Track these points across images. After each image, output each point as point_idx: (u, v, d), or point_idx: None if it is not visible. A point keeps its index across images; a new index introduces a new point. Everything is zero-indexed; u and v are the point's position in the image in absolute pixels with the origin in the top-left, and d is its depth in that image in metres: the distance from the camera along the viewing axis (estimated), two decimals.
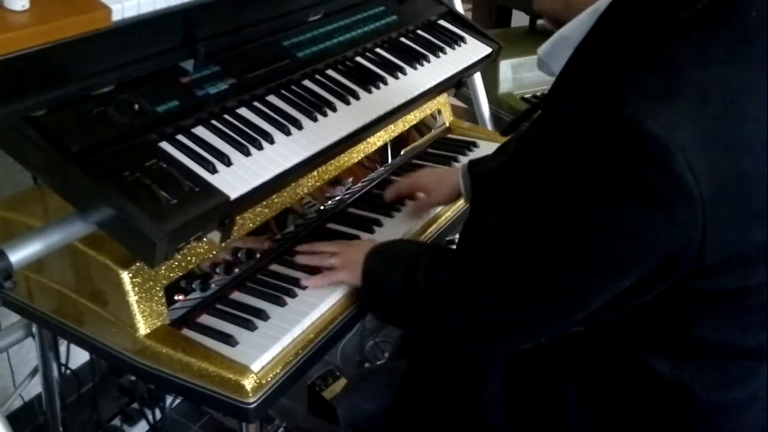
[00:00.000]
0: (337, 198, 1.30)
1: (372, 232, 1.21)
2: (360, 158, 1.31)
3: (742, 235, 0.75)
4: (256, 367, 0.92)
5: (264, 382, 0.91)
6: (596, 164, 0.71)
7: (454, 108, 1.64)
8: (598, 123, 0.70)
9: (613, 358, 0.85)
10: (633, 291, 0.76)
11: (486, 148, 1.50)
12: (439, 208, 1.27)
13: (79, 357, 1.42)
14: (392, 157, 1.46)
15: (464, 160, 1.46)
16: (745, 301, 0.80)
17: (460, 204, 1.29)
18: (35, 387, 1.36)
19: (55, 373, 1.26)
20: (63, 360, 1.30)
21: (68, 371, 1.36)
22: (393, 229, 1.21)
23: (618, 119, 0.69)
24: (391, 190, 1.25)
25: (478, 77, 1.74)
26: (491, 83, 1.87)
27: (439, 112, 1.56)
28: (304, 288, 1.04)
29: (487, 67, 1.57)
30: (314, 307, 1.02)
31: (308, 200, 1.21)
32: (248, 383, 0.89)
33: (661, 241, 0.72)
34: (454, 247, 1.19)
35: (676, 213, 0.70)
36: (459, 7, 1.66)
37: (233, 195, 0.92)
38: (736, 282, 0.78)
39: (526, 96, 1.89)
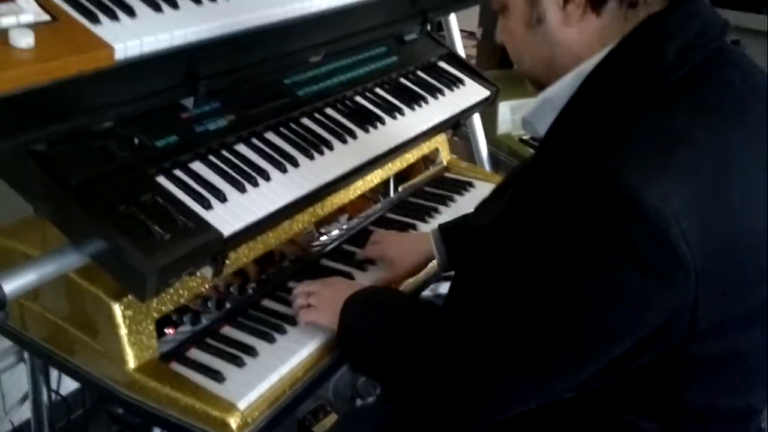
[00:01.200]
0: (333, 234, 1.32)
1: (365, 270, 1.21)
2: (356, 195, 1.32)
3: (734, 300, 0.75)
4: (242, 405, 0.92)
5: (250, 420, 0.91)
6: (590, 234, 0.71)
7: (452, 143, 1.65)
8: (592, 193, 0.71)
9: (601, 421, 0.84)
10: (626, 357, 0.75)
11: (482, 188, 1.52)
12: None
13: (70, 383, 1.42)
14: (394, 189, 1.48)
15: (460, 200, 1.48)
16: (735, 365, 0.80)
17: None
18: (25, 412, 1.36)
19: (45, 398, 1.26)
20: (54, 386, 1.30)
21: (58, 397, 1.36)
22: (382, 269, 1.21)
23: (612, 189, 0.70)
24: (360, 256, 1.23)
25: (477, 118, 1.77)
26: (490, 124, 1.90)
27: (437, 151, 1.58)
28: (294, 325, 1.05)
29: (487, 108, 1.59)
30: (303, 345, 1.02)
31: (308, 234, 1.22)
32: (234, 421, 0.89)
33: (654, 308, 0.72)
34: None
35: (670, 281, 0.71)
36: (460, 49, 1.70)
37: (226, 232, 0.93)
38: (728, 346, 0.78)
39: (524, 137, 1.91)
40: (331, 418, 1.73)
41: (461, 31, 1.83)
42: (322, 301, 1.03)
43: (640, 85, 0.75)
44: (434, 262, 1.20)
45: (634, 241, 0.69)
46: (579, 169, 0.73)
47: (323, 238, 1.30)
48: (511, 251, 0.78)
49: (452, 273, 1.11)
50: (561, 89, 0.82)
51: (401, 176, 1.49)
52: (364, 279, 1.19)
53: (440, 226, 1.18)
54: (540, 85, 0.87)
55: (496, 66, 2.74)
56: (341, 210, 1.32)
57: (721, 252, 0.72)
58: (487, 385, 0.82)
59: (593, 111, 0.77)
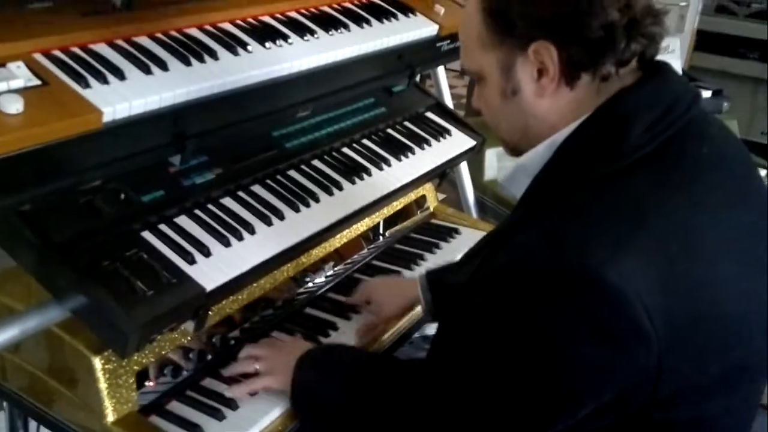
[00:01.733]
0: (318, 281, 1.33)
1: (349, 319, 1.23)
2: (342, 244, 1.34)
3: (697, 370, 0.77)
4: None
5: None
6: (553, 308, 0.72)
7: (440, 187, 1.67)
8: (557, 268, 0.72)
9: None
10: (588, 419, 0.77)
11: (468, 235, 1.53)
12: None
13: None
14: (384, 230, 1.49)
15: (446, 246, 1.50)
16: (698, 430, 0.81)
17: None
18: None
19: None
20: None
21: None
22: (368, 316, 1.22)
23: (575, 268, 0.71)
24: (348, 301, 1.25)
25: (464, 164, 1.79)
26: (477, 170, 1.93)
27: (424, 197, 1.60)
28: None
29: (474, 154, 1.62)
30: (284, 397, 1.02)
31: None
32: None
33: (617, 378, 0.74)
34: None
35: (632, 354, 0.72)
36: (447, 99, 1.73)
37: (209, 286, 0.94)
38: (690, 412, 0.79)
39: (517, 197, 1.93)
40: None
41: (453, 71, 1.87)
42: (272, 365, 1.02)
43: (606, 161, 0.77)
44: (419, 308, 1.21)
45: (595, 317, 0.71)
46: (545, 243, 0.75)
47: (308, 285, 1.31)
48: (478, 315, 0.80)
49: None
50: (535, 157, 0.84)
51: (392, 218, 1.52)
52: (348, 328, 1.20)
53: (427, 273, 1.19)
54: (516, 151, 0.89)
55: None
56: (328, 255, 1.34)
57: (684, 326, 0.74)
58: None
59: (563, 182, 0.80)
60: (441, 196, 2.00)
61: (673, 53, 2.23)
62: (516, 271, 0.76)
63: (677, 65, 2.22)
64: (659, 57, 0.84)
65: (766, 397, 2.24)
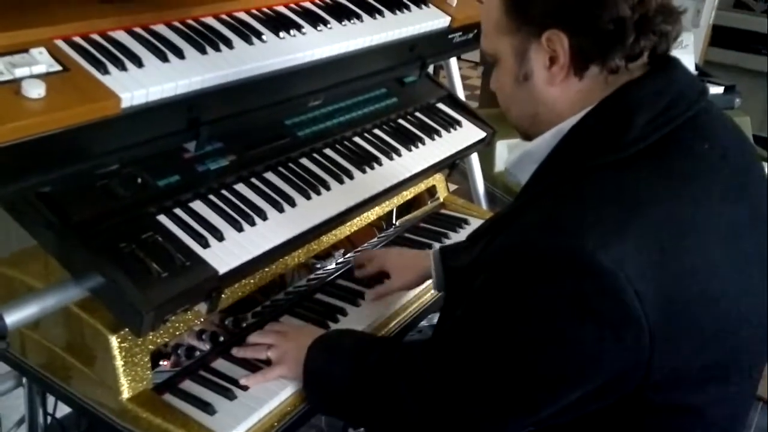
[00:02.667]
0: (328, 268, 1.35)
1: (358, 305, 1.25)
2: (352, 231, 1.36)
3: (688, 358, 0.79)
4: None
5: None
6: (549, 289, 0.75)
7: (451, 177, 1.69)
8: (553, 252, 0.75)
9: None
10: (581, 402, 0.79)
11: (477, 225, 1.55)
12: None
13: (66, 406, 1.45)
14: (397, 218, 1.51)
15: (455, 236, 1.51)
16: (693, 416, 0.83)
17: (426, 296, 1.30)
18: None
19: (41, 421, 1.29)
20: (50, 409, 1.33)
21: (54, 420, 1.39)
22: (378, 302, 1.25)
23: (571, 251, 0.74)
24: (361, 271, 1.27)
25: (474, 156, 1.80)
26: (487, 162, 1.94)
27: (435, 187, 1.62)
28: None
29: (484, 146, 1.64)
30: (293, 379, 1.05)
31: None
32: None
33: (609, 361, 0.76)
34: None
35: (623, 337, 0.74)
36: (459, 90, 1.74)
37: (222, 270, 0.96)
38: (683, 399, 0.80)
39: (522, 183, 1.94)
40: None
41: (468, 61, 1.88)
42: (283, 353, 1.05)
43: (608, 151, 0.79)
44: (428, 283, 1.24)
45: (589, 299, 0.73)
46: (544, 227, 0.78)
47: (319, 271, 1.33)
48: (478, 295, 0.82)
49: None
50: (541, 144, 0.86)
51: (406, 206, 1.54)
52: (358, 314, 1.22)
53: (441, 248, 1.22)
54: (525, 136, 0.91)
55: (498, 105, 2.78)
56: (339, 242, 1.36)
57: (677, 314, 0.75)
58: (449, 415, 0.86)
59: (566, 169, 0.82)
60: (452, 187, 2.02)
61: (687, 48, 2.23)
62: (514, 253, 0.78)
63: (690, 60, 2.21)
64: (672, 52, 0.85)
65: (766, 392, 2.26)
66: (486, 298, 0.81)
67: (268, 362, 1.07)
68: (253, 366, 1.07)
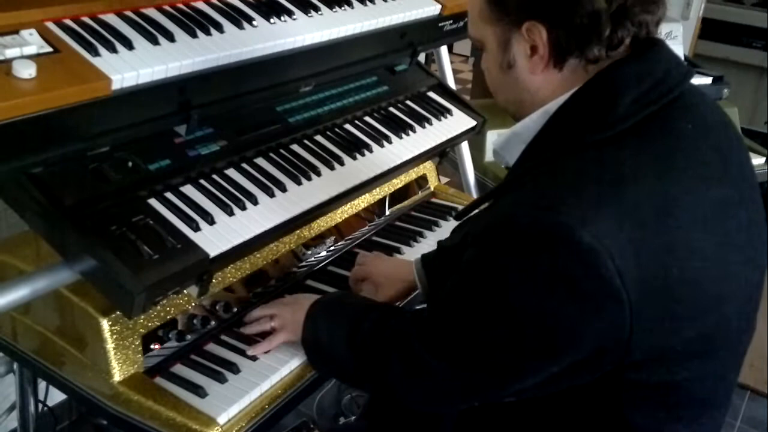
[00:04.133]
0: (319, 255, 1.36)
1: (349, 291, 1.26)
2: (343, 218, 1.37)
3: (669, 334, 0.79)
4: (222, 419, 0.95)
5: None
6: (531, 261, 0.76)
7: (442, 167, 1.70)
8: (536, 226, 0.76)
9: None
10: (562, 376, 0.80)
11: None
12: None
13: (57, 395, 1.45)
14: (389, 209, 1.52)
15: (445, 225, 1.52)
16: (673, 394, 0.84)
17: None
18: (12, 422, 1.39)
19: (33, 409, 1.30)
20: (41, 397, 1.34)
21: (45, 408, 1.39)
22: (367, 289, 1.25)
23: (553, 224, 0.75)
24: (350, 280, 1.27)
25: (465, 145, 1.81)
26: (478, 151, 1.95)
27: (425, 177, 1.63)
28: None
29: (475, 136, 1.64)
30: (284, 363, 1.06)
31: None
32: None
33: (589, 335, 0.77)
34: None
35: (603, 312, 0.75)
36: (450, 79, 1.75)
37: (213, 253, 0.97)
38: (664, 376, 0.81)
39: (510, 166, 1.95)
40: None
41: (460, 55, 1.89)
42: (284, 320, 1.07)
43: (593, 130, 0.80)
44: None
45: (567, 273, 0.74)
46: (526, 203, 0.79)
47: (310, 259, 1.34)
48: (465, 269, 0.84)
49: None
50: (529, 125, 0.88)
51: (397, 196, 1.54)
52: None
53: (423, 256, 1.22)
54: (516, 118, 0.93)
55: (489, 92, 2.79)
56: (329, 231, 1.37)
57: (657, 290, 0.76)
58: (434, 380, 0.88)
59: (551, 148, 0.83)
60: (444, 180, 2.02)
61: (676, 39, 2.24)
62: (498, 228, 0.80)
63: (679, 52, 2.23)
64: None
65: (766, 385, 2.28)
66: (471, 271, 0.83)
67: (254, 343, 1.07)
68: (243, 350, 1.07)
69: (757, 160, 2.35)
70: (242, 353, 1.07)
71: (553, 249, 0.74)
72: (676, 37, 2.21)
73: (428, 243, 1.44)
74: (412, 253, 1.38)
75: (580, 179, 0.78)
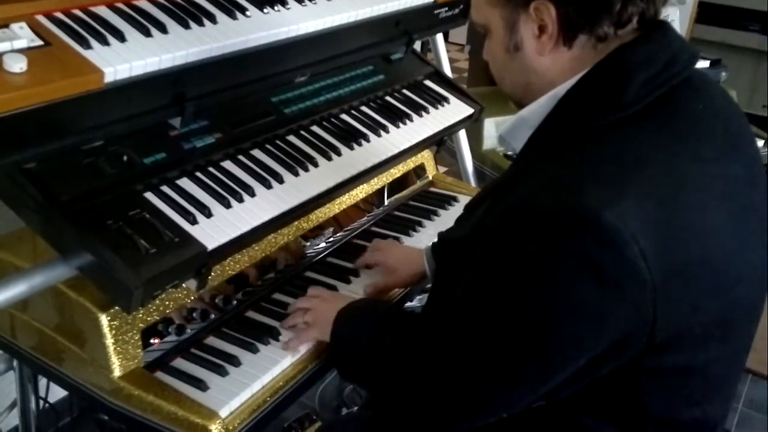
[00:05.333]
0: (318, 246, 1.35)
1: (348, 282, 1.25)
2: (341, 209, 1.36)
3: (690, 316, 0.79)
4: (224, 412, 0.95)
5: (231, 427, 0.95)
6: (553, 249, 0.75)
7: (440, 156, 1.69)
8: (556, 212, 0.75)
9: (564, 425, 0.87)
10: (589, 367, 0.79)
11: (466, 203, 1.55)
12: None
13: (58, 391, 1.45)
14: (388, 199, 1.52)
15: (444, 214, 1.52)
16: (694, 378, 0.83)
17: None
18: (14, 419, 1.38)
19: (34, 406, 1.29)
20: (42, 393, 1.33)
21: (47, 405, 1.39)
22: (370, 279, 1.25)
23: (575, 207, 0.74)
24: (360, 261, 1.27)
25: (462, 134, 1.80)
26: (476, 140, 1.94)
27: (423, 166, 1.62)
28: (276, 336, 1.08)
29: (473, 124, 1.64)
30: (285, 355, 1.06)
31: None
32: (215, 428, 0.92)
33: (614, 320, 0.76)
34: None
35: (628, 295, 0.74)
36: (446, 67, 1.74)
37: (210, 246, 0.96)
38: (686, 360, 0.81)
39: (508, 153, 1.95)
40: (316, 427, 1.76)
41: (455, 44, 1.88)
42: (316, 317, 1.07)
43: (606, 112, 0.80)
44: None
45: (593, 257, 0.73)
46: (546, 188, 0.78)
47: (308, 251, 1.34)
48: (483, 263, 0.82)
49: None
50: (536, 109, 0.87)
51: (396, 186, 1.54)
52: (348, 291, 1.22)
53: (433, 244, 1.21)
54: (519, 105, 0.91)
55: (486, 81, 2.78)
56: (328, 222, 1.36)
57: (678, 270, 0.76)
58: (458, 394, 0.85)
59: (564, 132, 0.82)
60: (442, 169, 2.02)
61: (673, 24, 2.23)
62: (517, 217, 0.78)
63: None
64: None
65: (754, 364, 2.28)
66: (492, 264, 0.81)
67: (261, 339, 1.07)
68: (246, 343, 1.07)
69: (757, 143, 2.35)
70: (243, 346, 1.07)
71: (579, 232, 0.73)
72: (673, 21, 2.20)
73: (427, 232, 1.43)
74: (412, 243, 1.38)
75: (598, 161, 0.77)
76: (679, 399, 0.84)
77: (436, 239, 1.22)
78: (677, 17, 2.28)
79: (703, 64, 2.32)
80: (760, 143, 2.39)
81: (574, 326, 0.77)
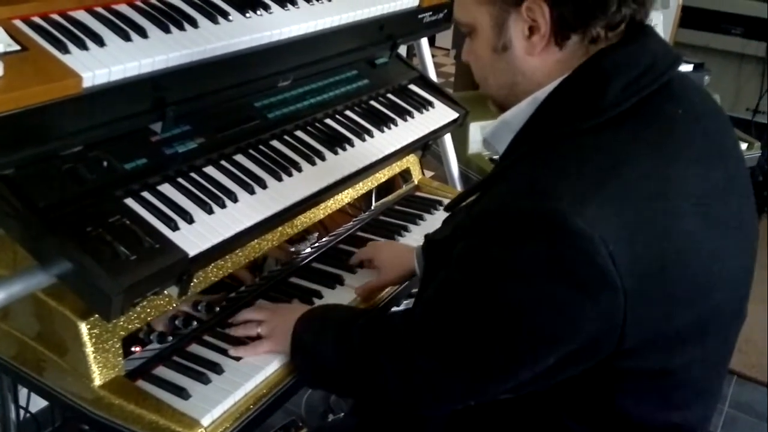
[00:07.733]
0: (303, 252, 1.34)
1: (333, 288, 1.24)
2: (326, 214, 1.35)
3: (663, 320, 0.79)
4: (206, 421, 0.94)
5: None
6: (526, 249, 0.75)
7: (426, 161, 1.69)
8: (530, 213, 0.75)
9: (541, 422, 0.88)
10: (558, 366, 0.79)
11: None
12: None
13: (39, 400, 1.43)
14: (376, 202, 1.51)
15: (429, 218, 1.52)
16: (667, 381, 0.84)
17: None
18: None
19: (14, 416, 1.27)
20: (23, 403, 1.31)
21: (28, 414, 1.37)
22: (357, 282, 1.24)
23: (547, 211, 0.74)
24: (354, 258, 1.28)
25: (448, 138, 1.80)
26: (461, 144, 1.94)
27: (409, 171, 1.62)
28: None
29: (458, 128, 1.63)
30: (269, 362, 1.05)
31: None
32: None
33: (584, 323, 0.76)
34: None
35: (598, 299, 0.75)
36: (431, 71, 1.74)
37: (192, 252, 0.95)
38: (658, 363, 0.81)
39: (494, 157, 1.95)
40: None
41: (442, 48, 1.88)
42: (272, 328, 1.05)
43: (585, 116, 0.80)
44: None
45: (564, 261, 0.74)
46: (521, 190, 0.78)
47: (293, 256, 1.33)
48: (458, 260, 0.82)
49: None
50: (518, 113, 0.86)
51: (383, 190, 1.53)
52: (333, 297, 1.22)
53: (423, 244, 1.21)
54: (502, 107, 0.91)
55: (473, 85, 2.78)
56: (314, 227, 1.35)
57: (650, 275, 0.76)
58: (428, 381, 0.86)
59: (542, 136, 0.82)
60: (428, 174, 2.01)
61: (656, 28, 2.25)
62: (492, 217, 0.79)
63: None
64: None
65: (753, 371, 2.30)
66: (465, 261, 0.81)
67: (238, 343, 1.06)
68: (226, 350, 1.06)
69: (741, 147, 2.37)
70: (226, 353, 1.05)
71: (549, 236, 0.74)
72: (656, 25, 2.22)
73: (413, 237, 1.43)
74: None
75: (573, 166, 0.77)
76: (653, 403, 0.84)
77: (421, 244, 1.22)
78: (660, 21, 2.30)
79: (686, 68, 2.34)
80: (744, 146, 2.41)
81: (541, 325, 0.77)
